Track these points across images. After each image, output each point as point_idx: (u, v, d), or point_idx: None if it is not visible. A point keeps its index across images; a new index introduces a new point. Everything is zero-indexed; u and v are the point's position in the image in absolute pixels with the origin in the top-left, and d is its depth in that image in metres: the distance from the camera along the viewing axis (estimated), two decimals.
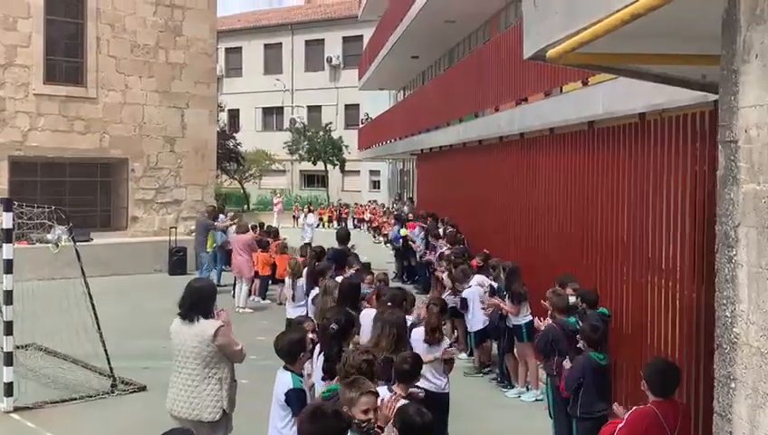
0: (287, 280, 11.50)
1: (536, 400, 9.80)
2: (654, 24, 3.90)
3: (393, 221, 24.27)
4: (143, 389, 9.98)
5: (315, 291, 9.63)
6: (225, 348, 6.11)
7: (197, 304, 6.18)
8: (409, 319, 7.87)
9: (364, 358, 5.48)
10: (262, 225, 22.17)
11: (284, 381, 5.67)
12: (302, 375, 5.78)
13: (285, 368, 5.79)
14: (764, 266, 2.96)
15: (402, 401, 5.08)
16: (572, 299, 8.30)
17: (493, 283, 10.96)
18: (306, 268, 11.17)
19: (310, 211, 31.69)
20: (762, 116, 2.93)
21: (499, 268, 10.96)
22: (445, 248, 14.83)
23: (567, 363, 7.29)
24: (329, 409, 4.19)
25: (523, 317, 9.87)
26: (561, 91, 10.71)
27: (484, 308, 10.69)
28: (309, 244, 19.68)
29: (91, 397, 9.59)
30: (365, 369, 5.32)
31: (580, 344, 7.13)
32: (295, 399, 5.53)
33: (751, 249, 3.06)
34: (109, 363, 9.96)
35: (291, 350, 5.81)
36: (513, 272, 10.37)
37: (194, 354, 6.07)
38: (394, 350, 6.32)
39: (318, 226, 33.66)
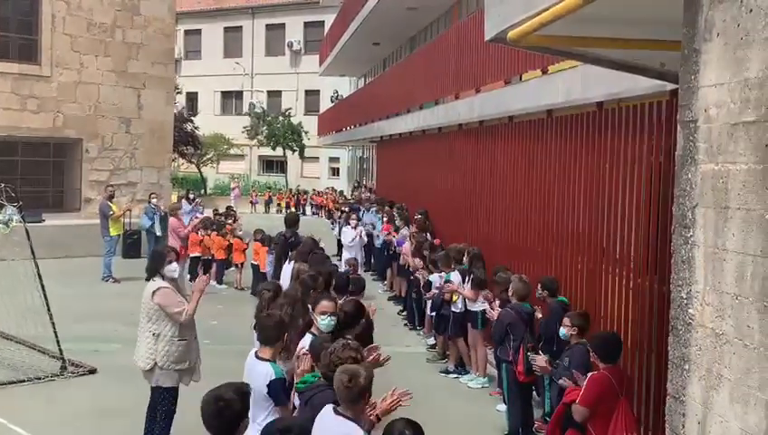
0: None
1: (482, 387, 9.85)
2: (614, 7, 3.89)
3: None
4: (93, 371, 9.84)
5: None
6: (164, 308, 6.80)
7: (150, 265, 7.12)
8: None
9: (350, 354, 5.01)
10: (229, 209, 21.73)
11: (263, 372, 5.31)
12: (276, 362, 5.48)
13: (258, 357, 5.44)
14: (721, 247, 2.96)
15: None
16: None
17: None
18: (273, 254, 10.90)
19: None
20: (722, 95, 2.92)
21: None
22: (407, 231, 14.78)
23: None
24: None
25: (481, 304, 9.66)
26: (521, 79, 10.73)
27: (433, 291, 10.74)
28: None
29: (39, 379, 9.40)
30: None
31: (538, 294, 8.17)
32: (281, 389, 5.27)
33: (708, 230, 3.06)
34: (58, 345, 9.77)
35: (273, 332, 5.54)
36: (476, 257, 10.31)
37: (143, 310, 6.94)
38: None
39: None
